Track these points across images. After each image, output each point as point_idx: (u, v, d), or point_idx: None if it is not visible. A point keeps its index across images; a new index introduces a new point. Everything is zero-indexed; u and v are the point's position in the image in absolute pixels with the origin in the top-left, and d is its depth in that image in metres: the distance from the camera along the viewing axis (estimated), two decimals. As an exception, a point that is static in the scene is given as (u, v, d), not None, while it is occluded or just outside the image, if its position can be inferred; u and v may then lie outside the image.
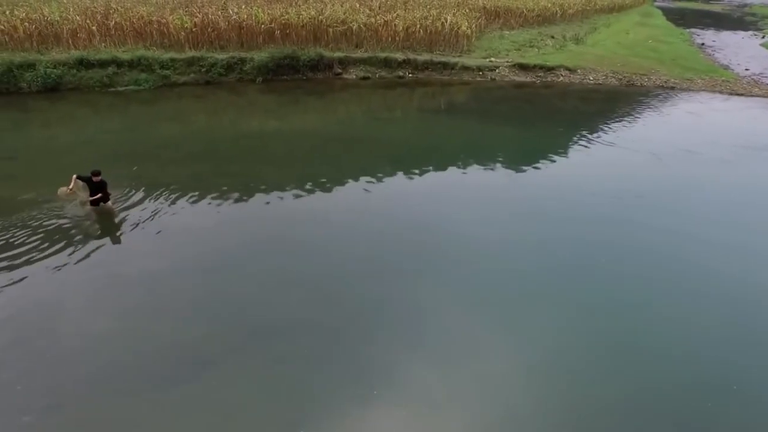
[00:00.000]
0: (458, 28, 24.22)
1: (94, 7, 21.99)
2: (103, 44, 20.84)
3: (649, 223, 10.75)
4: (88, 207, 10.11)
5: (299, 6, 23.36)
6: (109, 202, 10.28)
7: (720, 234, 10.49)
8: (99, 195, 9.85)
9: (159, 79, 19.84)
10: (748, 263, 9.55)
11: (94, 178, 9.66)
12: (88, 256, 9.16)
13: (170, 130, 16.54)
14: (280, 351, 7.17)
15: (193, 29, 21.22)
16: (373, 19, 22.98)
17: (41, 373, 6.72)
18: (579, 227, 10.63)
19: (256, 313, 7.97)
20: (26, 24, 19.76)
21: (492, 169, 13.64)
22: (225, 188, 11.54)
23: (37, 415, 6.14)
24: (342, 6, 24.11)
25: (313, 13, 22.42)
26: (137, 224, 10.09)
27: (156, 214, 10.39)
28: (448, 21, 23.93)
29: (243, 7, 22.31)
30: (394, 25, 23.29)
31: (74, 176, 9.91)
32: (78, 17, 20.82)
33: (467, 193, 12.16)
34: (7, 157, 13.47)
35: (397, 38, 23.32)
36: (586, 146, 15.69)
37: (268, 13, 21.61)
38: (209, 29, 21.30)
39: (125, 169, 12.14)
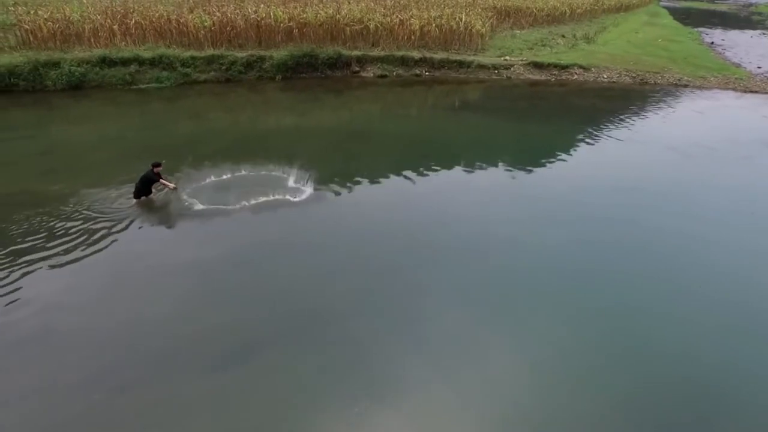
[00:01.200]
0: (472, 28, 24.52)
1: (114, 7, 22.30)
2: (123, 43, 21.15)
3: (666, 222, 11.01)
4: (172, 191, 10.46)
5: (316, 5, 23.64)
6: (151, 195, 10.58)
7: (735, 234, 10.58)
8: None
9: (180, 76, 20.15)
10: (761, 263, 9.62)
11: (155, 169, 10.01)
12: (136, 245, 9.48)
13: (196, 126, 16.84)
14: (327, 335, 7.44)
15: (212, 28, 21.53)
16: (388, 19, 23.27)
17: (107, 356, 7.01)
18: (595, 225, 10.83)
19: (301, 300, 8.24)
20: (50, 24, 20.07)
21: (512, 165, 13.90)
22: (259, 181, 11.82)
23: (106, 394, 6.43)
24: (357, 5, 24.39)
25: (330, 12, 22.71)
26: (178, 216, 10.39)
27: (192, 206, 10.66)
28: (463, 20, 24.23)
29: (261, 6, 22.58)
30: (410, 24, 23.58)
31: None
32: (99, 16, 21.13)
33: (489, 189, 12.48)
34: (45, 152, 13.82)
35: (413, 37, 23.63)
36: (603, 142, 16.00)
37: (287, 12, 21.88)
38: (228, 28, 21.60)
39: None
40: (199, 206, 10.56)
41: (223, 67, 20.72)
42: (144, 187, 10.21)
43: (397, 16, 23.55)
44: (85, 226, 9.83)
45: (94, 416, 6.13)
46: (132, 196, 10.44)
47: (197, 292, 8.38)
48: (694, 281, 9.13)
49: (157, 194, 10.83)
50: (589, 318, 8.05)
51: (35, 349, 7.03)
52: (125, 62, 19.97)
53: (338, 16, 22.54)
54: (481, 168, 13.59)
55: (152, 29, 21.33)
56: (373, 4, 25.05)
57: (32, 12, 20.37)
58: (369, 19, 22.94)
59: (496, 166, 13.84)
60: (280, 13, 21.85)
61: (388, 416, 6.28)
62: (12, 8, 20.90)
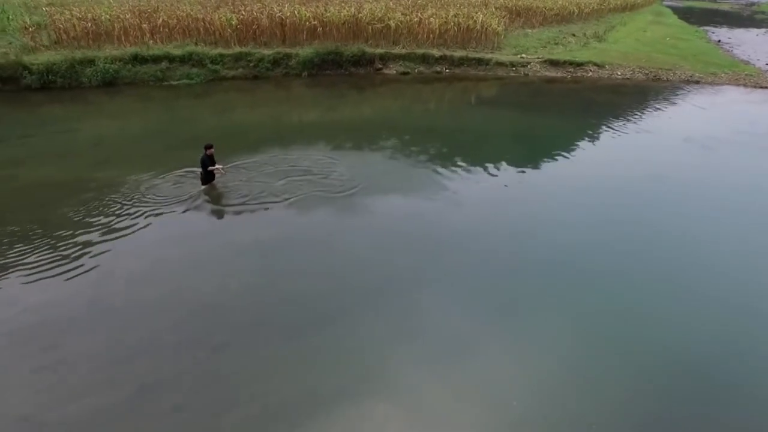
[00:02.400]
0: (489, 27, 25.37)
1: (141, 6, 23.05)
2: (151, 41, 21.89)
3: (692, 211, 11.86)
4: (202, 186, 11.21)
5: (337, 5, 24.44)
6: (214, 181, 11.37)
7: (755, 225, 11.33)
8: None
9: (209, 73, 20.92)
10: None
11: (208, 151, 10.76)
12: (200, 226, 10.28)
13: (232, 119, 17.63)
14: (392, 306, 8.21)
15: (238, 26, 22.30)
16: (409, 17, 24.09)
17: (198, 321, 7.76)
18: (621, 213, 11.68)
19: (367, 275, 9.00)
20: (82, 23, 20.82)
21: (536, 157, 14.74)
22: (304, 170, 12.60)
23: (209, 352, 7.18)
24: (378, 4, 25.21)
25: (351, 11, 23.51)
26: (235, 201, 11.15)
27: (244, 188, 11.44)
28: (480, 19, 25.08)
29: (286, 6, 23.37)
30: (429, 23, 24.41)
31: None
32: (128, 15, 21.87)
33: (516, 179, 13.31)
34: (96, 144, 14.59)
35: (432, 36, 24.44)
36: (623, 134, 16.86)
37: (311, 11, 22.68)
38: (254, 26, 22.38)
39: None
40: (252, 193, 11.34)
41: (251, 64, 21.49)
42: (205, 172, 10.94)
43: (417, 15, 24.35)
44: (148, 209, 10.60)
45: (201, 370, 6.88)
46: (200, 182, 11.20)
47: (267, 267, 9.14)
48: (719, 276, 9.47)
49: (218, 179, 11.58)
50: (601, 312, 8.31)
51: (135, 314, 7.79)
52: (156, 59, 20.73)
53: (360, 15, 23.32)
54: (506, 159, 14.34)
55: (180, 27, 22.08)
56: (392, 4, 25.84)
57: (67, 12, 21.07)
58: (390, 18, 23.74)
59: (520, 157, 14.66)
60: (305, 11, 22.63)
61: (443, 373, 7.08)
62: (46, 9, 21.59)
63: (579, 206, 11.73)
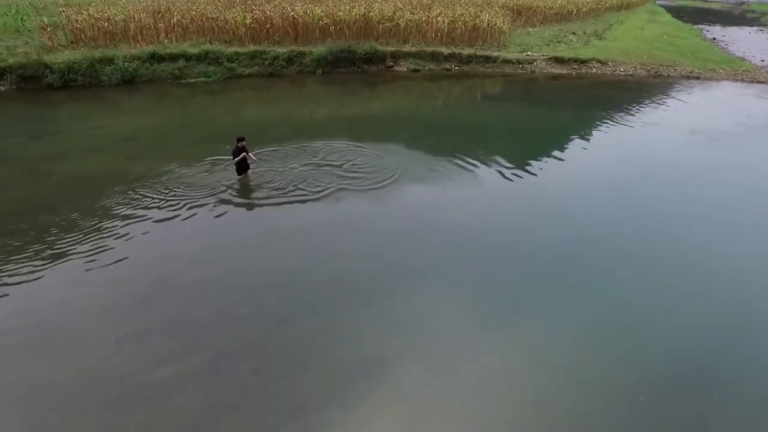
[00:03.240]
0: (494, 25, 26.16)
1: (155, 6, 23.52)
2: (166, 40, 22.39)
3: (704, 199, 12.63)
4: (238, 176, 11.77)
5: (348, 4, 25.08)
6: (249, 171, 11.95)
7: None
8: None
9: (226, 71, 21.46)
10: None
11: (238, 144, 11.34)
12: (246, 212, 10.87)
13: (252, 115, 18.25)
14: (430, 285, 8.87)
15: (252, 25, 22.87)
16: (418, 16, 24.79)
17: (266, 294, 8.35)
18: (634, 201, 12.41)
19: (401, 258, 9.60)
20: (100, 23, 21.27)
21: (548, 149, 15.48)
22: (327, 161, 13.22)
23: (276, 324, 7.77)
24: (386, 3, 25.89)
25: (362, 10, 24.17)
26: (272, 191, 11.74)
27: (276, 177, 12.04)
28: (486, 18, 25.85)
29: (298, 5, 23.96)
30: (437, 21, 25.13)
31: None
32: (143, 15, 22.34)
33: (529, 170, 14.04)
34: (128, 139, 15.09)
35: (440, 34, 25.16)
36: (631, 127, 17.70)
37: (324, 10, 23.31)
38: (267, 25, 22.95)
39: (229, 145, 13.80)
40: (285, 182, 11.96)
41: (266, 62, 22.06)
42: (238, 163, 11.51)
43: (425, 14, 25.07)
44: (189, 198, 11.13)
45: (272, 338, 7.47)
46: (236, 173, 11.78)
47: (313, 249, 9.72)
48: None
49: (253, 169, 12.15)
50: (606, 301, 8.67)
51: (202, 291, 8.36)
52: (173, 58, 21.23)
53: (371, 14, 23.98)
54: (518, 151, 15.11)
55: (194, 27, 22.59)
56: (400, 3, 26.52)
57: (84, 12, 21.50)
58: (399, 17, 24.43)
59: (533, 149, 15.40)
60: (318, 11, 23.24)
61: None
62: (62, 9, 21.99)
63: (597, 194, 12.47)
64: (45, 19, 21.49)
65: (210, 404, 6.37)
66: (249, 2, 24.66)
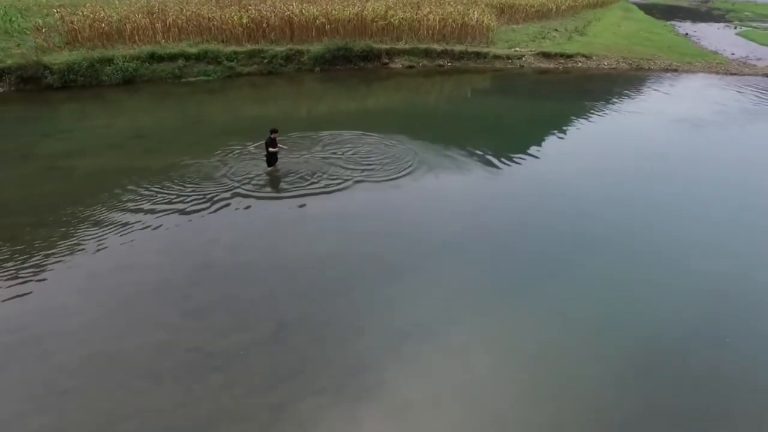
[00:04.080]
0: (483, 23, 27.13)
1: (150, 6, 23.65)
2: (163, 40, 22.58)
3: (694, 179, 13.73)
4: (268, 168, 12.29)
5: (341, 2, 25.66)
6: (277, 164, 12.48)
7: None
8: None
9: (226, 69, 21.81)
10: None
11: (271, 136, 11.84)
12: (276, 201, 11.40)
13: (259, 111, 18.73)
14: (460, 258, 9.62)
15: (249, 24, 23.25)
16: (410, 15, 25.57)
17: (310, 272, 8.94)
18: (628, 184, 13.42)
19: (423, 238, 10.30)
20: (96, 23, 21.35)
21: (544, 136, 16.48)
22: (344, 151, 13.87)
23: (326, 297, 8.36)
24: (378, 2, 26.56)
25: (356, 9, 24.81)
26: (298, 177, 12.29)
27: (302, 168, 12.62)
28: (475, 16, 26.81)
29: (294, 4, 24.44)
30: (428, 19, 25.95)
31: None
32: (138, 15, 22.47)
33: (529, 154, 14.98)
34: (138, 136, 15.40)
35: (432, 32, 25.99)
36: (618, 115, 18.88)
37: (320, 9, 23.87)
38: (264, 24, 23.38)
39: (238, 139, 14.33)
40: (312, 172, 12.54)
41: (265, 61, 22.49)
42: (269, 154, 12.02)
43: (417, 13, 25.86)
44: (214, 189, 11.57)
45: (325, 310, 8.06)
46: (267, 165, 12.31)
47: (344, 233, 10.31)
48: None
49: (280, 161, 12.67)
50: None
51: (250, 272, 8.90)
52: (172, 57, 21.48)
53: (365, 13, 24.64)
54: (518, 140, 16.15)
55: (191, 27, 22.83)
56: (392, 2, 27.22)
57: (80, 13, 21.54)
58: (392, 16, 25.16)
59: (530, 136, 16.41)
60: (314, 10, 23.79)
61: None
62: (56, 10, 21.96)
63: (593, 176, 13.44)
64: (40, 21, 21.46)
65: (275, 369, 6.92)
66: (244, 2, 24.97)
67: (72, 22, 21.32)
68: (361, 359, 7.11)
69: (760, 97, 22.09)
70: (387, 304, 8.28)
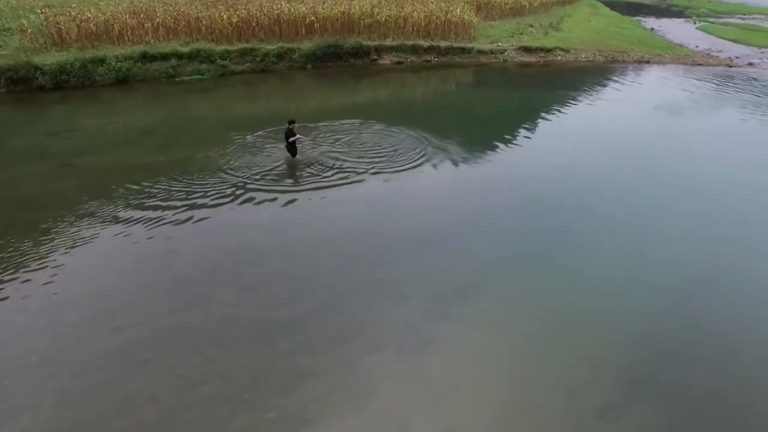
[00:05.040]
0: (465, 19, 28.23)
1: (138, 6, 23.64)
2: (153, 40, 22.64)
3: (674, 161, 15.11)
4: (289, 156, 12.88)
5: (328, 1, 26.23)
6: (298, 155, 13.06)
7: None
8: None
9: (219, 68, 22.09)
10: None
11: (289, 126, 12.44)
12: (291, 189, 12.01)
13: (258, 107, 19.17)
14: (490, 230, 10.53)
15: (238, 24, 23.57)
16: (396, 12, 26.40)
17: (347, 248, 9.64)
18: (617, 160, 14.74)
19: (441, 217, 11.16)
20: (84, 24, 21.27)
21: (533, 121, 17.64)
22: (357, 138, 14.59)
23: (369, 268, 9.07)
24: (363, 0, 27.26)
25: (342, 8, 25.46)
26: (318, 166, 12.92)
27: (320, 158, 13.27)
28: (458, 13, 27.88)
29: (283, 3, 24.88)
30: (412, 17, 26.83)
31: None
32: (126, 16, 22.47)
33: (521, 139, 16.08)
34: (144, 133, 15.66)
35: (416, 28, 26.88)
36: (599, 103, 20.28)
37: (309, 8, 24.41)
38: (253, 23, 23.75)
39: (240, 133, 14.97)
40: (330, 162, 13.22)
41: (257, 59, 22.86)
42: (290, 144, 12.60)
43: (402, 10, 26.70)
44: (236, 179, 12.16)
45: (370, 280, 8.77)
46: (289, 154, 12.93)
47: (372, 215, 11.04)
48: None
49: (301, 152, 13.25)
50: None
51: (291, 249, 9.51)
52: (165, 57, 21.60)
53: (352, 11, 25.32)
54: (505, 125, 17.29)
55: (180, 27, 22.97)
56: (376, 0, 27.95)
57: (66, 13, 21.41)
58: (378, 13, 25.93)
59: (518, 123, 17.54)
60: (303, 8, 24.32)
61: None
62: (41, 10, 21.75)
63: (587, 156, 14.60)
64: (25, 21, 21.24)
65: (336, 332, 7.60)
66: (231, 1, 25.24)
67: (59, 23, 21.18)
68: (413, 319, 7.87)
69: (724, 84, 24.00)
70: (424, 272, 9.07)
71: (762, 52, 31.84)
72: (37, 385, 6.52)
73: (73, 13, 21.62)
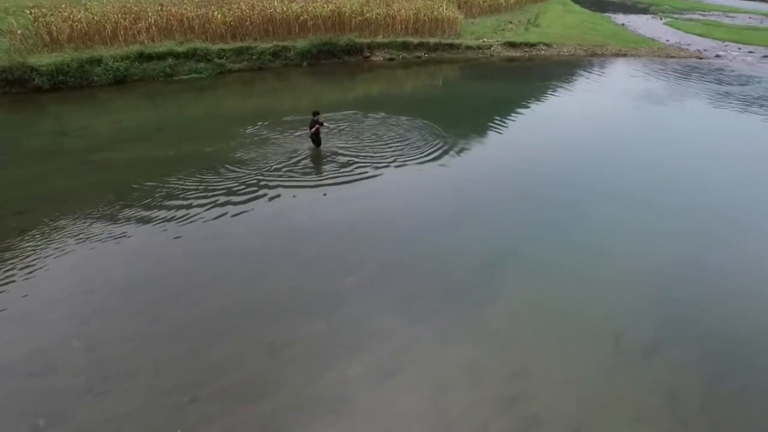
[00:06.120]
0: (451, 16, 29.29)
1: (126, 8, 23.64)
2: (146, 40, 22.74)
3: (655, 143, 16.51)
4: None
5: (320, 0, 26.81)
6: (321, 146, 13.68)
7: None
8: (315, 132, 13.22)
9: (216, 67, 22.40)
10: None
11: (314, 117, 13.04)
12: (322, 177, 12.65)
13: (262, 102, 19.61)
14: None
15: (232, 23, 23.90)
16: (385, 10, 27.20)
17: (390, 223, 10.37)
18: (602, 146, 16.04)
19: (475, 190, 12.05)
20: (76, 24, 21.23)
21: (523, 109, 18.81)
22: (363, 135, 15.32)
23: (411, 239, 9.80)
24: (351, -1, 27.96)
25: (333, 7, 26.09)
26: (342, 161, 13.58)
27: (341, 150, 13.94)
28: (444, 11, 28.92)
29: (275, 2, 25.32)
30: (401, 15, 27.69)
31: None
32: (117, 16, 22.49)
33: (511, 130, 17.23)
34: (158, 129, 15.97)
35: (404, 25, 27.75)
36: (584, 94, 21.61)
37: (302, 7, 24.95)
38: (247, 22, 24.13)
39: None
40: (351, 153, 13.89)
41: (254, 57, 23.26)
42: (314, 134, 13.20)
43: (390, 8, 27.53)
44: (262, 169, 12.75)
45: (417, 253, 9.51)
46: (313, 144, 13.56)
47: (398, 203, 11.78)
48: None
49: (324, 143, 13.87)
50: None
51: (337, 231, 10.15)
52: (161, 56, 21.78)
53: (343, 9, 25.98)
54: (496, 114, 18.44)
55: (176, 25, 23.15)
56: (364, -1, 28.70)
57: (57, 14, 21.30)
58: (368, 11, 26.68)
59: (509, 111, 18.77)
60: (296, 7, 24.84)
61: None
62: (30, 11, 21.56)
63: (581, 139, 15.79)
64: (14, 21, 21.05)
65: (396, 297, 8.34)
66: (221, 1, 25.52)
67: (49, 23, 21.08)
68: (466, 281, 8.67)
69: (695, 74, 25.86)
70: (464, 243, 9.89)
71: (726, 46, 34.11)
72: (130, 356, 6.99)
73: (64, 14, 21.54)
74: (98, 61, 20.42)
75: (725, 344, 7.62)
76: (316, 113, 13.08)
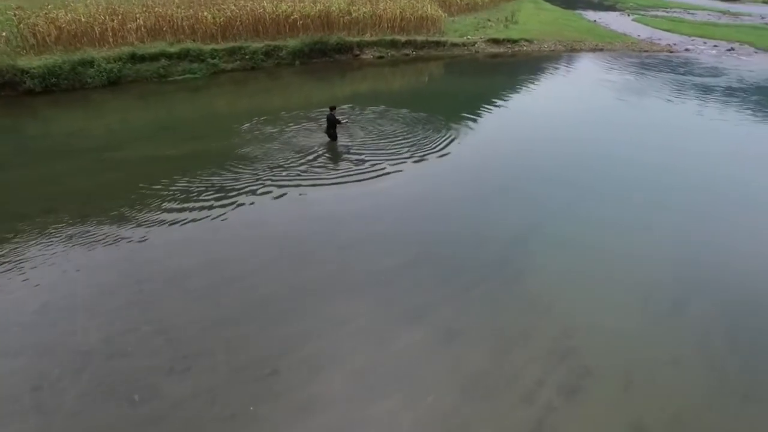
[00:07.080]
0: (435, 15, 30.24)
1: (112, 8, 23.53)
2: (136, 41, 22.72)
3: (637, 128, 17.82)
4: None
5: (309, 0, 27.28)
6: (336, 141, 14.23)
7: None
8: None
9: (210, 67, 22.60)
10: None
11: (332, 112, 13.59)
12: (343, 170, 13.23)
13: (260, 101, 20.01)
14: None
15: (222, 23, 24.11)
16: (370, 9, 27.90)
17: (420, 209, 11.01)
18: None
19: (493, 173, 12.88)
20: (64, 26, 21.07)
21: (512, 100, 19.95)
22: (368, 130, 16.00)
23: (427, 244, 10.52)
24: (337, -2, 28.51)
25: (321, 6, 26.62)
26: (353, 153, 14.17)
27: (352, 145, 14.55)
28: (428, 9, 29.83)
29: (265, 2, 25.64)
30: (386, 13, 28.43)
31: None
32: (105, 17, 22.40)
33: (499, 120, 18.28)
34: (162, 128, 16.23)
35: (391, 24, 28.51)
36: (572, 84, 22.94)
37: (292, 7, 25.39)
38: (237, 22, 24.39)
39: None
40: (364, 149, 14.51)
41: (246, 57, 23.55)
42: (332, 130, 13.74)
43: (376, 7, 28.25)
44: (280, 163, 13.26)
45: (426, 252, 10.21)
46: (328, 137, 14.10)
47: (414, 188, 12.48)
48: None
49: (340, 137, 14.42)
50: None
51: (372, 217, 10.76)
52: (154, 57, 21.83)
53: (331, 8, 26.54)
54: (486, 104, 19.60)
55: (167, 26, 23.20)
56: (350, -2, 29.29)
57: (43, 15, 21.08)
58: (355, 11, 27.31)
59: (500, 101, 19.90)
60: (285, 6, 25.25)
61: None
62: (14, 12, 21.25)
63: (575, 125, 16.90)
64: (-2, 23, 20.75)
65: (434, 276, 9.05)
66: (211, 1, 25.67)
67: (35, 25, 20.85)
68: (497, 260, 9.44)
69: (667, 66, 27.66)
70: (490, 222, 10.71)
71: (692, 40, 36.24)
72: (201, 336, 7.43)
73: (51, 15, 21.32)
74: (90, 63, 20.34)
75: (742, 296, 8.64)
76: (333, 108, 13.62)
